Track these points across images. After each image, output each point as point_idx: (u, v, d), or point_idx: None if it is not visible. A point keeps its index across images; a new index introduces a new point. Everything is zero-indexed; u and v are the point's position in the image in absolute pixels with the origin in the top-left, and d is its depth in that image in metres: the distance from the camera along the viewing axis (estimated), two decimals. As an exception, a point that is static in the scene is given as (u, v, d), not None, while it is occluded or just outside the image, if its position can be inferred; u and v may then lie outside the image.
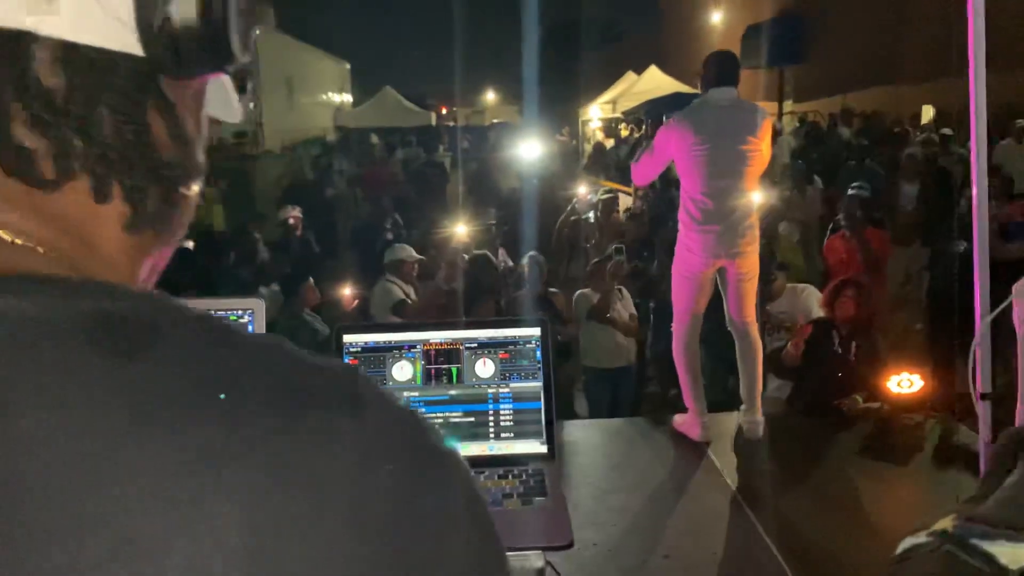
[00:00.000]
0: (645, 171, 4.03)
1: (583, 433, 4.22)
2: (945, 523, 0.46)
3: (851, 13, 18.06)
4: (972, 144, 2.36)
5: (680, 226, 3.86)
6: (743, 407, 3.97)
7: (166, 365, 0.40)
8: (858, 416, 4.13)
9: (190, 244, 7.76)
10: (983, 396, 2.36)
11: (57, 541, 0.35)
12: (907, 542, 0.48)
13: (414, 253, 5.75)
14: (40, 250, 0.44)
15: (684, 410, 4.02)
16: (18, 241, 0.44)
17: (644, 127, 21.64)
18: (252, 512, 0.37)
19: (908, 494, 3.52)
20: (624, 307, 5.31)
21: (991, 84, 2.54)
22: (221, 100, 0.58)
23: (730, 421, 4.14)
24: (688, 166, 3.74)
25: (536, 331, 1.59)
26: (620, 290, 5.36)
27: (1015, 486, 0.44)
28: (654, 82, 19.50)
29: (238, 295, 1.64)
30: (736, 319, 3.90)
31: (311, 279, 5.32)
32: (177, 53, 0.47)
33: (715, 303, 4.00)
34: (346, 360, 1.55)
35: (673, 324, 4.02)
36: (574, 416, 5.25)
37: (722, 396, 4.73)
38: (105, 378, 0.38)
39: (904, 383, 3.95)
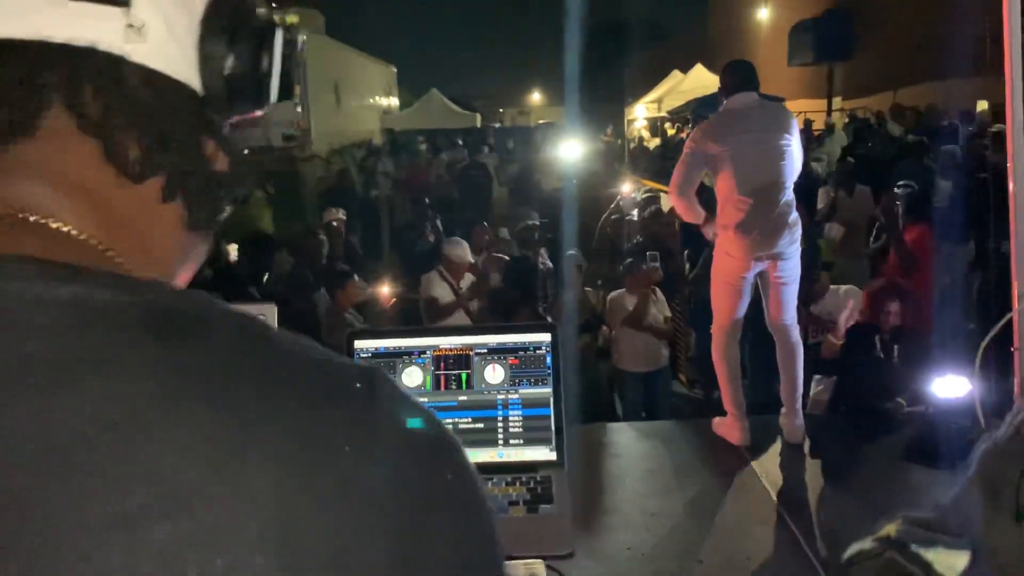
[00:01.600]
0: (680, 184, 3.90)
1: (619, 436, 4.20)
2: (890, 528, 0.46)
3: (901, 7, 17.68)
4: (1008, 141, 2.30)
5: (719, 230, 3.82)
6: (783, 410, 3.92)
7: (212, 350, 0.46)
8: (902, 420, 4.04)
9: (232, 249, 7.91)
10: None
11: (112, 489, 0.40)
12: (854, 547, 0.48)
13: (468, 255, 5.75)
14: (100, 247, 0.52)
15: (725, 413, 3.98)
16: (82, 236, 0.52)
17: (690, 126, 21.47)
18: (283, 479, 0.42)
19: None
20: (659, 310, 5.27)
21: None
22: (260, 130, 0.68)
23: (771, 424, 4.08)
24: (721, 171, 3.71)
25: (546, 337, 1.58)
26: (654, 291, 5.32)
27: (959, 494, 0.43)
28: (700, 80, 19.32)
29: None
30: (777, 322, 3.85)
31: (355, 277, 5.39)
32: (228, 92, 0.58)
33: (756, 303, 3.95)
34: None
35: (712, 328, 3.97)
36: (615, 418, 5.23)
37: (764, 399, 4.66)
38: (159, 356, 0.45)
39: (949, 387, 3.84)
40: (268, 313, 1.47)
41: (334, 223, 8.13)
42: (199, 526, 0.40)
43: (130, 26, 0.53)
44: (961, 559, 0.39)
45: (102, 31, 0.53)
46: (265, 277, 5.89)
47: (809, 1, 22.05)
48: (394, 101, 29.35)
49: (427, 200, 10.07)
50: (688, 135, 4.01)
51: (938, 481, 3.53)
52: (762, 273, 3.78)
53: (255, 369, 0.46)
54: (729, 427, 3.90)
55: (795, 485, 3.54)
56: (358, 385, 0.48)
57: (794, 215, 3.73)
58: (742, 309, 3.87)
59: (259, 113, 0.65)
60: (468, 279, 5.62)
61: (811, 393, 4.80)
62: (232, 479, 0.41)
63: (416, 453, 0.48)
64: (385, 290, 5.52)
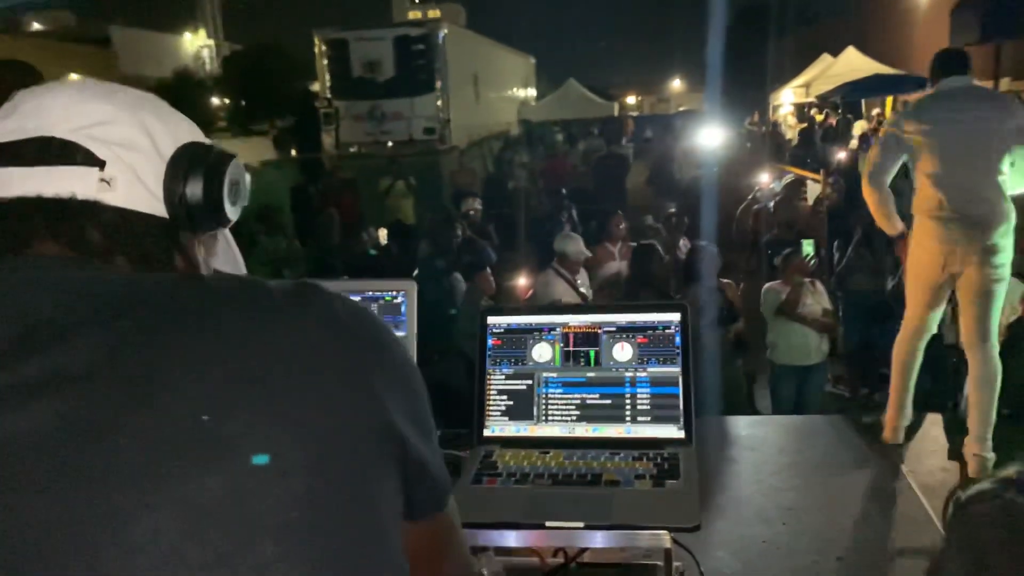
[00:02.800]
0: (872, 172, 3.64)
1: (758, 429, 4.10)
2: (1010, 472, 0.47)
3: (1080, -22, 16.22)
4: None
5: (915, 220, 3.56)
6: (967, 438, 3.56)
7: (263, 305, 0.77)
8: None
9: (383, 234, 8.21)
10: None
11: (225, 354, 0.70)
12: (974, 488, 0.50)
13: (582, 248, 5.76)
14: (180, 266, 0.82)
15: (874, 410, 3.81)
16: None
17: (839, 111, 20.49)
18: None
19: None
20: (817, 301, 5.09)
21: None
22: (223, 249, 0.91)
23: (928, 424, 3.89)
24: (924, 155, 3.47)
25: (676, 316, 1.58)
26: (813, 283, 5.15)
27: None
28: (851, 64, 18.41)
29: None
30: (972, 338, 3.49)
31: (488, 269, 5.49)
32: (189, 217, 0.80)
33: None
34: (490, 340, 1.64)
35: (904, 319, 3.73)
36: (754, 412, 5.10)
37: (917, 395, 4.42)
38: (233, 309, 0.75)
39: None
40: (408, 289, 1.56)
41: (471, 213, 8.32)
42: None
43: (102, 180, 0.75)
44: None
45: (80, 186, 0.75)
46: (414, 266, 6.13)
47: (973, -24, 20.60)
48: (532, 92, 29.55)
49: (563, 191, 10.12)
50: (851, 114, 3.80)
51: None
52: (959, 276, 3.46)
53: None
54: (889, 422, 3.66)
55: (946, 489, 3.36)
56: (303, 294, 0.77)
57: (1006, 205, 3.39)
58: (935, 315, 3.60)
59: (223, 230, 0.88)
60: (584, 275, 5.63)
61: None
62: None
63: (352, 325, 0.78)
64: (522, 281, 5.59)
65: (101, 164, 0.76)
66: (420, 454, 0.78)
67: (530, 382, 1.62)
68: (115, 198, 0.76)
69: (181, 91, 26.68)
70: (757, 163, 10.58)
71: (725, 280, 5.17)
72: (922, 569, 2.83)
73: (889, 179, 3.61)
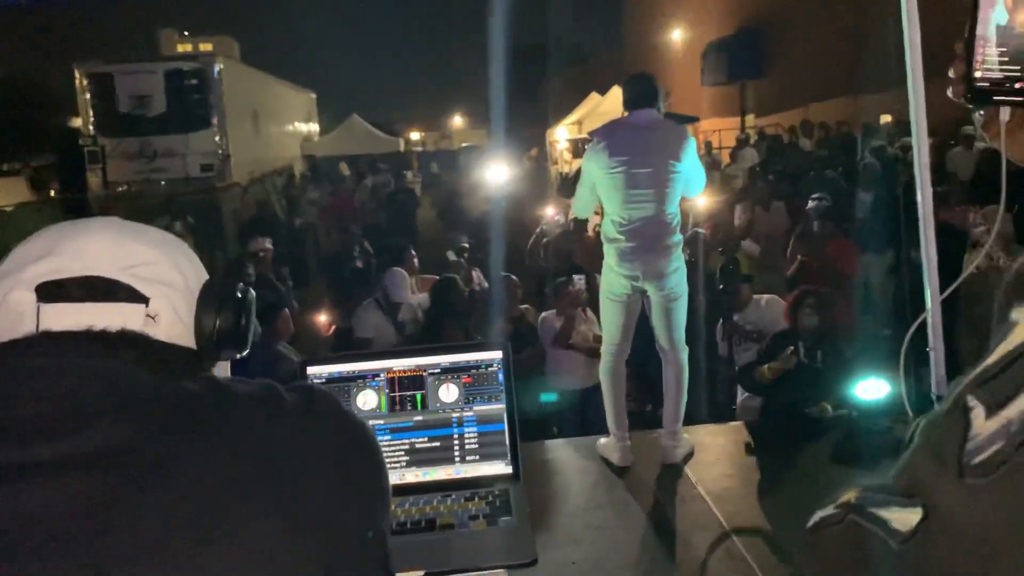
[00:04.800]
0: (580, 201, 3.98)
1: (558, 452, 4.24)
2: (849, 495, 0.51)
3: (809, 26, 18.40)
4: (915, 152, 2.44)
5: (604, 247, 3.84)
6: (663, 431, 3.93)
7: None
8: (828, 423, 4.19)
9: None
10: (939, 399, 2.42)
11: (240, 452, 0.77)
12: (817, 515, 0.53)
13: (407, 284, 5.76)
14: None
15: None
16: None
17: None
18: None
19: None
20: (588, 328, 5.34)
21: (940, 92, 2.61)
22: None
23: (703, 435, 4.18)
24: (607, 188, 3.73)
25: (498, 354, 1.61)
26: (585, 311, 5.39)
27: (908, 456, 0.49)
28: (618, 102, 19.61)
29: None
30: (663, 343, 3.85)
31: (285, 310, 5.31)
32: (217, 348, 0.90)
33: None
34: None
35: (601, 347, 3.99)
36: (551, 435, 5.26)
37: (690, 408, 4.74)
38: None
39: (872, 389, 4.00)
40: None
41: (261, 253, 8.01)
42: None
43: (148, 316, 0.84)
44: (914, 515, 0.45)
45: (129, 320, 0.82)
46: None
47: (720, 21, 22.77)
48: (315, 127, 29.07)
49: (353, 227, 10.02)
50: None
51: (864, 480, 3.68)
52: (647, 292, 3.78)
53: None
54: (611, 448, 3.93)
55: (731, 493, 3.62)
56: (305, 397, 0.85)
57: (676, 236, 3.76)
58: (630, 328, 3.88)
59: (240, 355, 0.96)
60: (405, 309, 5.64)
61: (739, 400, 4.95)
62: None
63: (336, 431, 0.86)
64: (322, 319, 5.46)
65: (146, 300, 0.84)
66: (392, 563, 0.86)
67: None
68: (159, 332, 0.84)
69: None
70: (542, 196, 11.02)
71: (524, 306, 5.33)
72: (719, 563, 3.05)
73: (593, 206, 3.96)
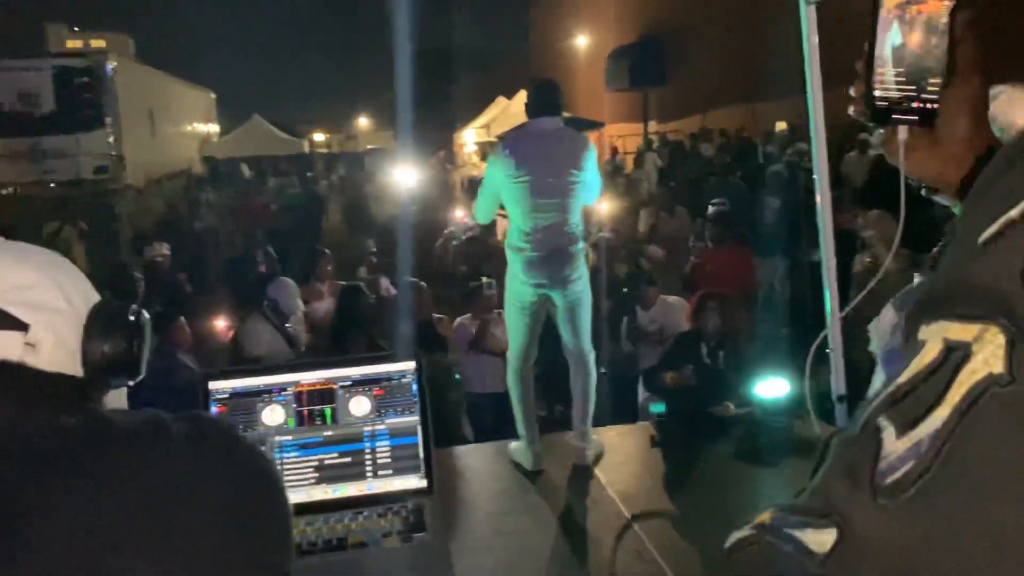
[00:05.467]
0: (481, 207, 4.00)
1: (469, 459, 4.22)
2: (764, 516, 0.51)
3: (709, 35, 18.94)
4: (814, 158, 2.52)
5: (507, 255, 3.86)
6: (573, 432, 3.98)
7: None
8: (731, 422, 4.31)
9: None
10: (839, 399, 2.51)
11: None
12: (733, 536, 0.53)
13: (296, 295, 5.60)
14: None
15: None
16: None
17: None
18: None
19: (779, 494, 3.69)
20: (502, 332, 5.35)
21: (836, 99, 2.71)
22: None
23: (611, 436, 4.23)
24: (511, 196, 3.76)
25: (411, 365, 1.58)
26: (499, 313, 5.40)
27: (821, 477, 0.49)
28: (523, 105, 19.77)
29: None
30: (570, 346, 3.90)
31: (181, 319, 5.10)
32: (106, 375, 0.84)
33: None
34: (214, 408, 1.52)
35: (508, 353, 4.02)
36: (464, 441, 5.24)
37: (599, 411, 4.81)
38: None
39: (771, 388, 4.14)
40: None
41: (158, 259, 7.72)
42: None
43: (27, 344, 0.78)
44: (829, 536, 0.45)
45: (5, 349, 0.77)
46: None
47: (624, 29, 23.21)
48: (214, 128, 28.26)
49: (257, 231, 9.77)
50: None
51: (767, 477, 3.80)
52: (552, 298, 3.82)
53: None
54: (522, 453, 3.95)
55: (640, 493, 3.68)
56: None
57: (580, 244, 3.82)
58: (535, 333, 3.91)
59: (131, 383, 0.91)
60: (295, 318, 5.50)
61: (640, 400, 5.04)
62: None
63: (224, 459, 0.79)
64: (221, 324, 5.27)
65: (25, 327, 0.78)
66: None
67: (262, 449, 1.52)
68: (40, 360, 0.79)
69: None
70: (450, 200, 10.99)
71: (438, 316, 5.29)
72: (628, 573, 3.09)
73: (495, 212, 3.99)
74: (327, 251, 6.58)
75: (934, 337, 0.46)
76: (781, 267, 6.80)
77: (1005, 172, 0.49)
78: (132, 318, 0.86)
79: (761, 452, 3.95)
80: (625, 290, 5.48)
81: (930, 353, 0.46)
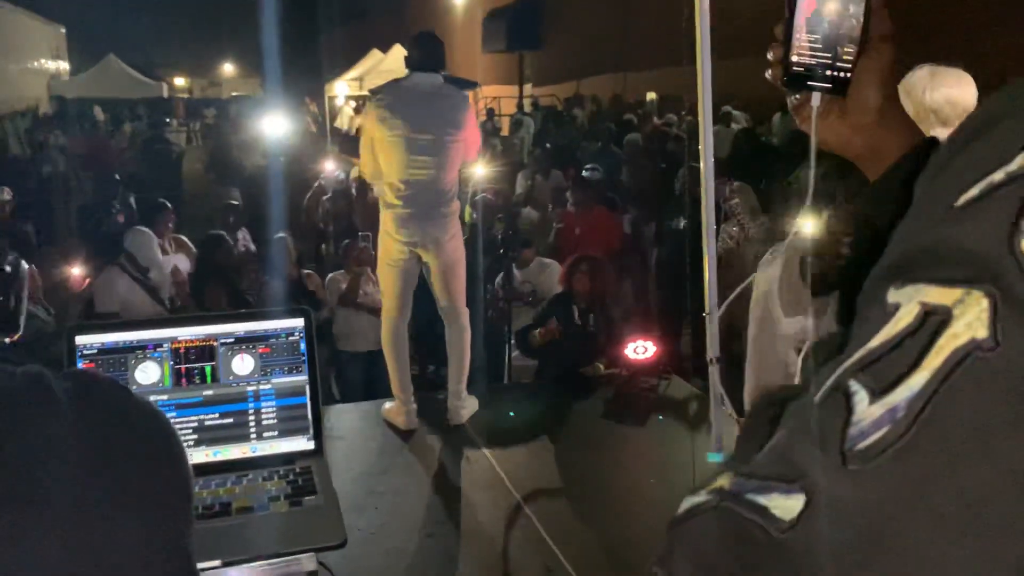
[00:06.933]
0: (367, 164, 3.88)
1: (339, 418, 4.16)
2: (723, 481, 0.49)
3: (586, 2, 19.05)
4: (700, 128, 2.58)
5: (381, 211, 3.80)
6: (449, 392, 3.99)
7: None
8: (600, 382, 4.43)
9: None
10: (715, 359, 2.61)
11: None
12: (688, 501, 0.51)
13: (154, 246, 5.27)
14: None
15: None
16: None
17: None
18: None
19: (649, 451, 3.83)
20: (376, 289, 5.26)
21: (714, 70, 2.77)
22: None
23: (484, 396, 4.25)
24: (386, 151, 3.68)
25: (299, 322, 1.51)
26: (372, 271, 5.31)
27: (783, 442, 0.48)
28: (399, 61, 19.34)
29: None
30: (444, 305, 3.89)
31: (32, 266, 4.73)
32: None
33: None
34: (80, 365, 1.40)
35: (382, 313, 3.98)
36: (333, 400, 5.14)
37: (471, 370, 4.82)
38: None
39: (639, 349, 4.27)
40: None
41: (-1, 204, 7.12)
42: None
43: None
44: (796, 502, 0.44)
45: None
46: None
47: (503, -11, 23.00)
48: (64, 65, 26.26)
49: (112, 178, 9.17)
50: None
51: (636, 435, 3.93)
52: (425, 258, 3.80)
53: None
54: (396, 413, 3.93)
55: (513, 451, 3.73)
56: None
57: (454, 204, 3.79)
58: (408, 291, 3.87)
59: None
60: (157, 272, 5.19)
61: (517, 360, 5.10)
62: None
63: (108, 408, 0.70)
64: (76, 271, 4.90)
65: None
66: (195, 569, 0.73)
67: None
68: None
69: None
70: (321, 152, 10.64)
71: (307, 271, 5.13)
72: (498, 528, 3.14)
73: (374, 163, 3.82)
74: (168, 204, 6.16)
75: (909, 301, 0.45)
76: (649, 233, 6.99)
77: (982, 133, 0.49)
78: (8, 268, 0.76)
79: (628, 411, 4.09)
80: (501, 251, 5.49)
81: (906, 317, 0.45)
